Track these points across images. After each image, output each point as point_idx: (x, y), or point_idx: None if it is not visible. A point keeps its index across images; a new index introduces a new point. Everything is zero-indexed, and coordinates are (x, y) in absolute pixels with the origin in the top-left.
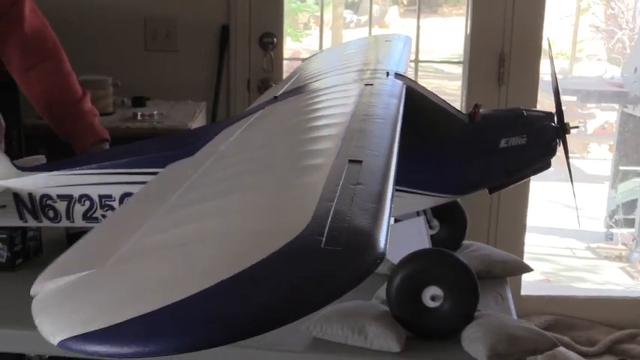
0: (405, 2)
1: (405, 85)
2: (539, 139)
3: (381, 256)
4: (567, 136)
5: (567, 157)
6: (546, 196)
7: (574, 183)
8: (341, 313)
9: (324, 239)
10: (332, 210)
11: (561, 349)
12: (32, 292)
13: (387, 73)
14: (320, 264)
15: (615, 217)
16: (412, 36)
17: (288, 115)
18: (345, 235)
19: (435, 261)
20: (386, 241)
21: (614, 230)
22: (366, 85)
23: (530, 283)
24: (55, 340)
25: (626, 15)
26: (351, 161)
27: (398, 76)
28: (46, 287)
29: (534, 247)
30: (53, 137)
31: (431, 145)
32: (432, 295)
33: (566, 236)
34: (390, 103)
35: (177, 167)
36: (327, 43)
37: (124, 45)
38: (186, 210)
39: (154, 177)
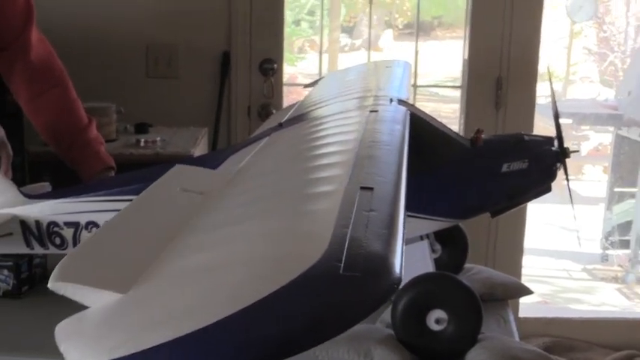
0: (400, 26)
1: (408, 112)
2: (540, 164)
3: (398, 281)
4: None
5: (567, 180)
6: (542, 219)
7: (575, 204)
8: (346, 336)
9: (342, 265)
10: (348, 236)
11: None
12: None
13: (391, 100)
14: (340, 290)
15: (611, 238)
16: (408, 59)
17: (296, 142)
18: (362, 261)
19: (439, 284)
20: (401, 266)
21: (610, 252)
22: (371, 111)
23: (528, 306)
24: None
25: (618, 38)
26: (362, 188)
27: (401, 102)
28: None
29: (531, 269)
30: (57, 164)
31: (434, 170)
32: (436, 319)
33: (563, 258)
34: (395, 129)
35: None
36: (323, 68)
37: (126, 72)
38: (203, 236)
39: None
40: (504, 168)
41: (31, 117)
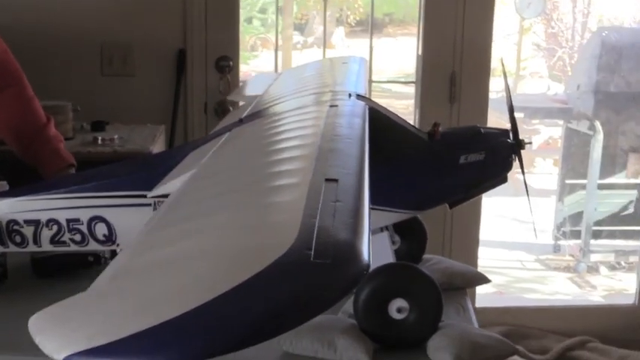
0: (353, 24)
1: (367, 106)
2: (497, 155)
3: (367, 268)
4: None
5: (523, 172)
6: (495, 211)
7: (526, 196)
8: (310, 327)
9: (312, 253)
10: (316, 226)
11: (516, 357)
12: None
13: (349, 95)
14: (312, 276)
15: (562, 229)
16: (362, 56)
17: (259, 137)
18: (331, 249)
19: (400, 274)
20: (369, 253)
21: (562, 242)
22: (331, 106)
23: (484, 296)
24: (59, 356)
25: (566, 34)
26: (327, 180)
27: (359, 97)
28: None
29: (486, 260)
30: (13, 164)
31: (393, 163)
32: (397, 308)
33: (516, 249)
34: (356, 123)
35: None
36: (278, 65)
37: (81, 71)
38: (173, 229)
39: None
40: (462, 160)
41: None
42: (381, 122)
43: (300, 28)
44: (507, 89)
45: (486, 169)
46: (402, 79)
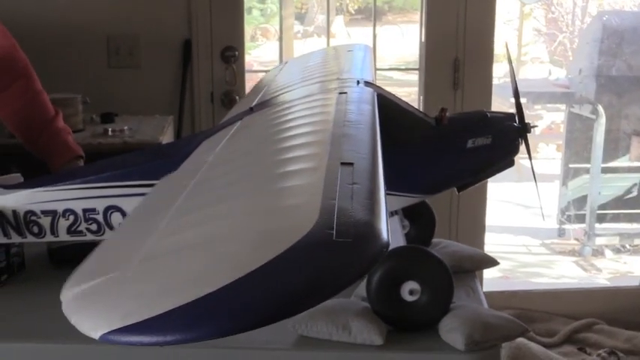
0: (353, 12)
1: (375, 92)
2: (503, 139)
3: (387, 245)
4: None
5: (529, 155)
6: (499, 196)
7: (530, 181)
8: (325, 310)
9: (334, 233)
10: (336, 207)
11: (523, 340)
12: (62, 298)
13: (357, 82)
14: (334, 254)
15: (567, 213)
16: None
17: (273, 124)
18: (352, 229)
19: (411, 257)
20: (388, 232)
21: (566, 226)
22: (340, 93)
23: (490, 280)
24: (96, 334)
25: (566, 19)
26: (343, 164)
27: (367, 83)
28: (74, 291)
29: (491, 245)
30: (25, 156)
31: (401, 148)
32: (410, 290)
33: (521, 234)
34: (366, 109)
35: (170, 179)
36: (278, 54)
37: (88, 63)
38: (196, 214)
39: (152, 189)
40: (469, 144)
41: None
42: (389, 108)
43: (300, 17)
44: (512, 74)
45: (494, 153)
46: (403, 67)
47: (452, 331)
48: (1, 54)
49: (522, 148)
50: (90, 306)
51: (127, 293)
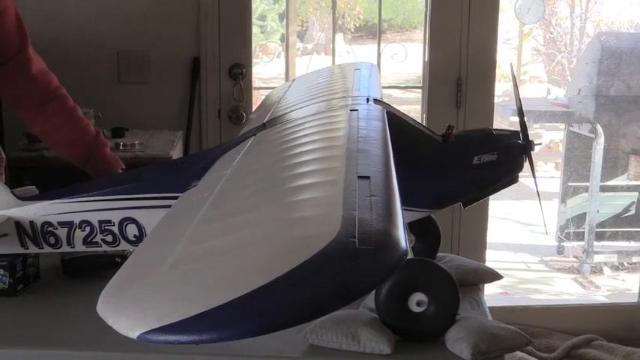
0: (353, 30)
1: (384, 109)
2: (508, 156)
3: (406, 253)
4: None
5: (533, 171)
6: (498, 214)
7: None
8: (334, 320)
9: (356, 241)
10: (356, 217)
11: (524, 355)
12: (99, 301)
13: (367, 99)
14: (358, 261)
15: (566, 231)
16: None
17: (287, 140)
18: (374, 237)
19: (419, 269)
20: (406, 241)
21: (565, 244)
22: (351, 110)
23: (491, 296)
24: (134, 334)
25: (564, 39)
26: (360, 177)
27: (376, 101)
28: (111, 295)
29: (492, 262)
30: (38, 169)
31: (409, 164)
32: (417, 301)
33: (520, 251)
34: (377, 126)
35: (192, 191)
36: (280, 71)
37: (98, 78)
38: (222, 222)
39: (175, 202)
40: (475, 160)
41: (37, 124)
42: (398, 125)
43: (300, 34)
44: (517, 93)
45: (499, 169)
46: (403, 85)
47: (458, 341)
48: (37, 72)
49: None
50: (127, 307)
51: (162, 296)
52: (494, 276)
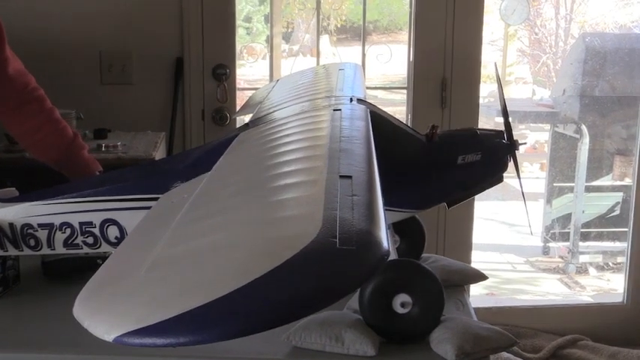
0: (334, 31)
1: (368, 109)
2: (493, 156)
3: (388, 253)
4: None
5: (517, 171)
6: (484, 214)
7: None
8: (318, 322)
9: (337, 241)
10: (337, 217)
11: (510, 356)
12: (75, 304)
13: (351, 99)
14: (339, 261)
15: (551, 231)
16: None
17: (270, 139)
18: (355, 237)
19: (403, 270)
20: (388, 241)
21: (551, 244)
22: (334, 110)
23: (476, 297)
24: (109, 337)
25: (549, 40)
26: (341, 176)
27: (360, 101)
28: (87, 298)
29: (477, 263)
30: (19, 170)
31: (393, 164)
32: (401, 302)
33: (506, 252)
34: (360, 125)
35: (172, 192)
36: (265, 73)
37: (80, 79)
38: (201, 223)
39: (155, 202)
40: (459, 160)
41: (14, 126)
42: (381, 125)
43: (286, 36)
44: (501, 92)
45: (483, 169)
46: (389, 86)
47: (443, 342)
48: (14, 73)
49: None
50: (103, 310)
51: (139, 298)
52: (479, 277)
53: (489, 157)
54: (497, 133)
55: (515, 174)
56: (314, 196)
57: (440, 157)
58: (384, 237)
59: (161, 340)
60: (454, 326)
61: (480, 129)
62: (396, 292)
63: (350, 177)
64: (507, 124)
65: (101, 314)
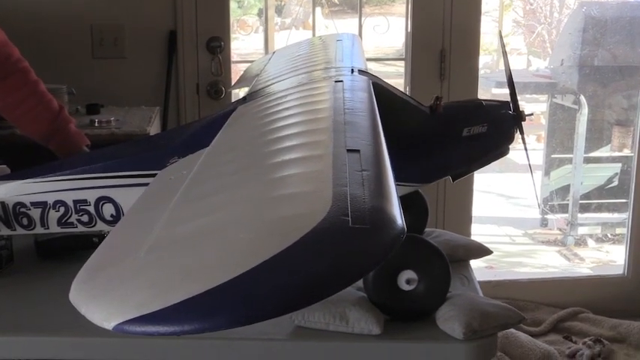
0: (337, 2)
1: (370, 80)
2: (499, 127)
3: (403, 232)
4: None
5: (524, 143)
6: (481, 187)
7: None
8: (321, 301)
9: (350, 219)
10: (348, 194)
11: (511, 329)
12: (71, 289)
13: (352, 70)
14: (352, 241)
15: (550, 203)
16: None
17: (270, 112)
18: (368, 215)
19: (408, 246)
20: (402, 218)
21: (549, 216)
22: (336, 81)
23: (476, 270)
24: (109, 325)
25: (544, 10)
26: (349, 150)
27: (361, 72)
28: (83, 282)
29: (476, 236)
30: (9, 147)
31: (396, 137)
32: (407, 279)
33: (504, 224)
34: (364, 97)
35: (169, 168)
36: (259, 46)
37: (71, 53)
38: (202, 202)
39: (153, 180)
40: (465, 132)
41: (6, 111)
42: (384, 96)
43: (278, 9)
44: (506, 61)
45: (489, 141)
46: (384, 58)
47: (450, 320)
48: None
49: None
50: (101, 296)
51: (139, 283)
52: (483, 251)
53: (495, 129)
54: (503, 104)
55: (523, 146)
56: (321, 171)
57: (445, 129)
58: (398, 214)
59: (164, 329)
60: (461, 303)
61: (485, 100)
62: (402, 269)
63: (358, 151)
64: (513, 94)
65: (99, 300)
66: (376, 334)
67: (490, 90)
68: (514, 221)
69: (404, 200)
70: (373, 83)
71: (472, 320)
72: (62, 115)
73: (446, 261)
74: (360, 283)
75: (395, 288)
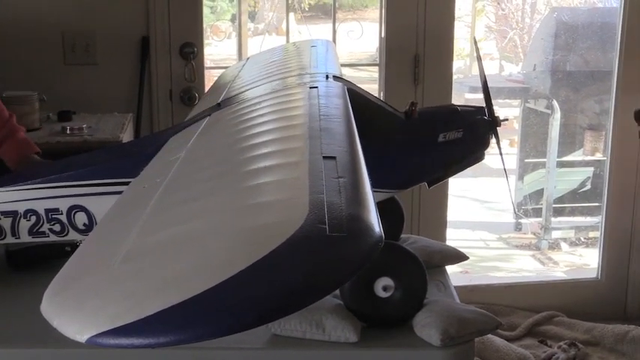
0: (307, 8)
1: (345, 86)
2: (475, 133)
3: (381, 239)
4: None
5: (500, 148)
6: (456, 192)
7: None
8: None
9: (327, 227)
10: (325, 201)
11: (488, 335)
12: (42, 301)
13: (327, 76)
14: (330, 249)
15: (523, 207)
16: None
17: (244, 119)
18: (345, 223)
19: (384, 253)
20: (380, 225)
21: (523, 220)
22: (311, 87)
23: (451, 275)
24: (82, 337)
25: (516, 15)
26: (325, 157)
27: (336, 78)
28: (55, 294)
29: (450, 241)
30: None
31: (372, 143)
32: (383, 286)
33: (478, 229)
34: (339, 103)
35: (142, 177)
36: (232, 51)
37: (42, 60)
38: (178, 210)
39: (126, 188)
40: (441, 138)
41: None
42: (359, 102)
43: (251, 15)
44: (481, 67)
45: (465, 147)
46: (357, 63)
47: (427, 326)
48: None
49: None
50: (74, 308)
51: (113, 294)
52: (460, 257)
53: (471, 135)
54: (479, 110)
55: (498, 151)
56: (297, 179)
57: (420, 134)
58: (376, 222)
59: (139, 341)
60: (438, 309)
61: (460, 105)
62: (378, 276)
63: (334, 158)
64: (488, 100)
65: (71, 312)
66: (353, 342)
67: (463, 95)
68: (488, 226)
69: (380, 206)
70: (348, 89)
71: (449, 327)
72: (10, 123)
73: (422, 267)
74: (336, 290)
75: (372, 295)
